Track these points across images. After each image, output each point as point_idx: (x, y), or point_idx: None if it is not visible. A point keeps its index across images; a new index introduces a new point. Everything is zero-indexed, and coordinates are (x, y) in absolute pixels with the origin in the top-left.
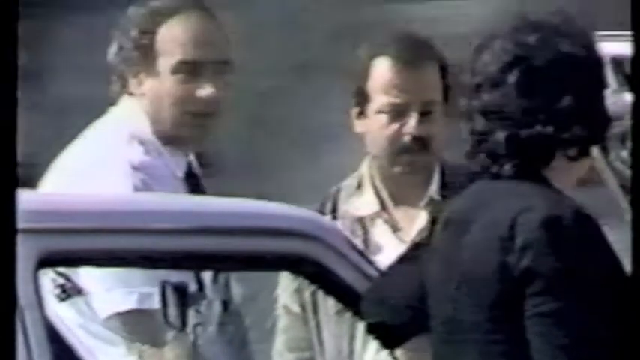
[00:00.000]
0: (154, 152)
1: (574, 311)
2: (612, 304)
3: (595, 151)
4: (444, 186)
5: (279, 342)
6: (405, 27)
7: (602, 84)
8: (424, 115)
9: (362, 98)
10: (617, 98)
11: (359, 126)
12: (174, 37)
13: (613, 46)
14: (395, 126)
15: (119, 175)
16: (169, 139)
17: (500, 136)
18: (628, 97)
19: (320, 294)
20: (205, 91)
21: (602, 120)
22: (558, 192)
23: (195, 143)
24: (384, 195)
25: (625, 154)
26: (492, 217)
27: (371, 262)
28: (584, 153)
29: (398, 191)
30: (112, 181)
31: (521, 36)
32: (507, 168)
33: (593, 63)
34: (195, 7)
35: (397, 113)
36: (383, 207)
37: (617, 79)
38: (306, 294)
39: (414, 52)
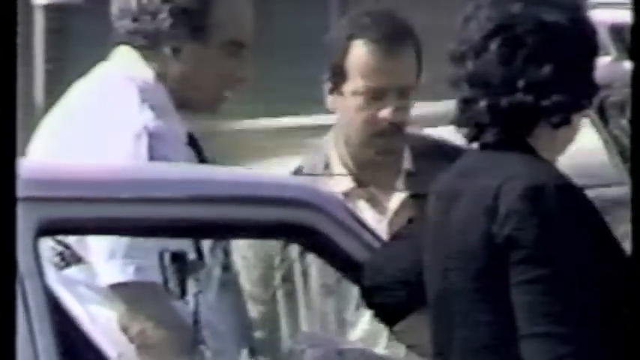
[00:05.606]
0: (164, 117)
1: (557, 280)
2: (598, 272)
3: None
4: (414, 157)
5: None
6: (385, 6)
7: (590, 53)
8: (401, 100)
9: (338, 77)
10: (616, 66)
11: (332, 102)
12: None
13: (613, 14)
14: (371, 110)
15: (133, 142)
16: (183, 102)
17: (483, 104)
18: (627, 64)
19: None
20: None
21: (587, 88)
22: (544, 161)
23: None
24: (358, 173)
25: (624, 122)
26: (479, 188)
27: (370, 231)
28: (565, 121)
29: (373, 169)
30: (125, 148)
31: (506, 5)
32: (491, 136)
33: (580, 32)
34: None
35: (374, 97)
36: (359, 184)
37: (617, 47)
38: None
39: (394, 37)
